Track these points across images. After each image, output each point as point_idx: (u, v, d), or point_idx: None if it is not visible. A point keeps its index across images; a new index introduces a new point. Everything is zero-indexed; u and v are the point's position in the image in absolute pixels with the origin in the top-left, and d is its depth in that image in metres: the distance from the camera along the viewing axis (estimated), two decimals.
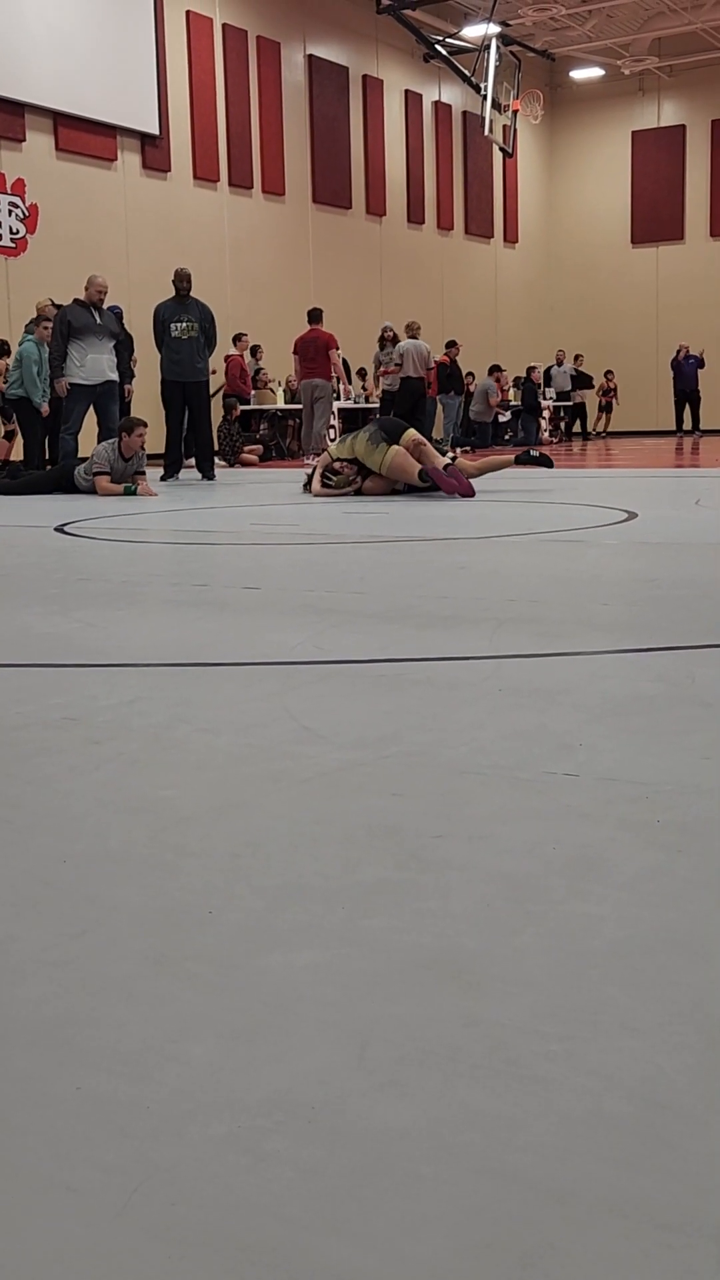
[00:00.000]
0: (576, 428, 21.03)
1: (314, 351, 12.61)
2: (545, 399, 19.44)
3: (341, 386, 13.82)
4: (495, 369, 17.76)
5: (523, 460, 8.83)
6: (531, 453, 9.01)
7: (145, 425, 8.64)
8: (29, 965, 1.10)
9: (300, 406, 13.24)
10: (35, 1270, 0.70)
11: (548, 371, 20.71)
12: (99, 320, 9.56)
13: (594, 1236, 0.72)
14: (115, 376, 9.67)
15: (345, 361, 14.54)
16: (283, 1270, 0.70)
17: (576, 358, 21.00)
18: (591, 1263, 0.69)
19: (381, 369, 14.80)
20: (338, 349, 12.84)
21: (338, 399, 14.05)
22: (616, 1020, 0.97)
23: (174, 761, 1.74)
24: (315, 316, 12.77)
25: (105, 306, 9.78)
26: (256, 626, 2.87)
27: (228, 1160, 0.80)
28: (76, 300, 9.63)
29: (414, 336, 14.30)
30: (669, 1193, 0.75)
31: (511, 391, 18.90)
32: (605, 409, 21.80)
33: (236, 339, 14.29)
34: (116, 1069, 0.92)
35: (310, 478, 8.00)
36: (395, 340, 14.67)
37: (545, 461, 9.04)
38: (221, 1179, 0.78)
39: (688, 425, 20.73)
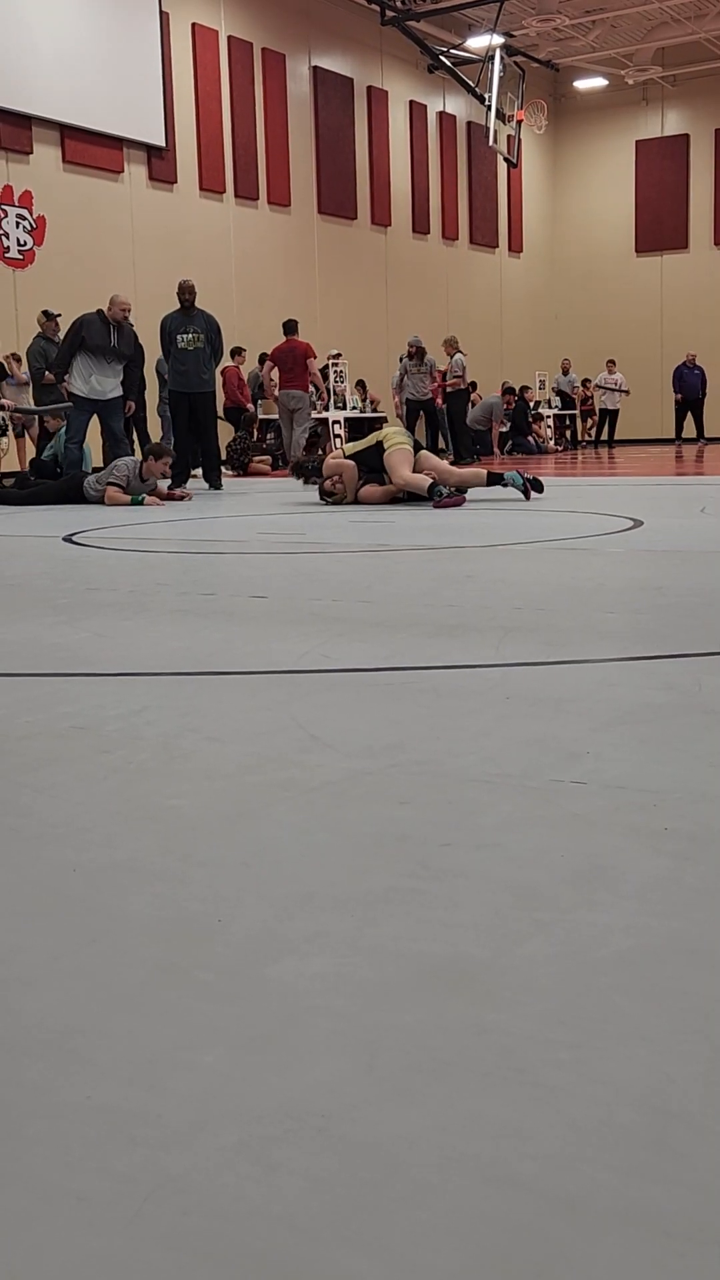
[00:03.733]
0: (580, 435, 21.02)
1: (291, 362, 12.94)
2: (550, 407, 19.42)
3: (319, 398, 14.20)
4: (509, 391, 17.60)
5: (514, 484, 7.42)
6: (523, 477, 7.42)
7: (172, 456, 8.66)
8: (39, 974, 1.10)
9: (276, 417, 13.56)
10: (46, 1279, 0.70)
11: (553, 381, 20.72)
12: (114, 343, 9.26)
13: (604, 1245, 0.72)
14: (120, 392, 9.63)
15: (343, 372, 14.80)
16: (293, 1279, 0.70)
17: (609, 363, 20.91)
18: (601, 1271, 0.69)
19: (446, 382, 15.18)
20: (315, 358, 13.12)
21: (316, 409, 14.22)
22: (625, 1029, 0.97)
23: (182, 770, 1.74)
24: (291, 328, 13.17)
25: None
26: (263, 635, 2.87)
27: (238, 1169, 0.80)
28: (100, 313, 9.28)
29: (459, 349, 15.25)
30: (679, 1201, 0.75)
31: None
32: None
33: (235, 353, 14.37)
34: (127, 1078, 0.92)
35: (320, 484, 7.94)
36: (423, 354, 15.03)
37: (523, 486, 7.42)
38: (232, 1188, 0.78)
39: (688, 433, 20.73)
